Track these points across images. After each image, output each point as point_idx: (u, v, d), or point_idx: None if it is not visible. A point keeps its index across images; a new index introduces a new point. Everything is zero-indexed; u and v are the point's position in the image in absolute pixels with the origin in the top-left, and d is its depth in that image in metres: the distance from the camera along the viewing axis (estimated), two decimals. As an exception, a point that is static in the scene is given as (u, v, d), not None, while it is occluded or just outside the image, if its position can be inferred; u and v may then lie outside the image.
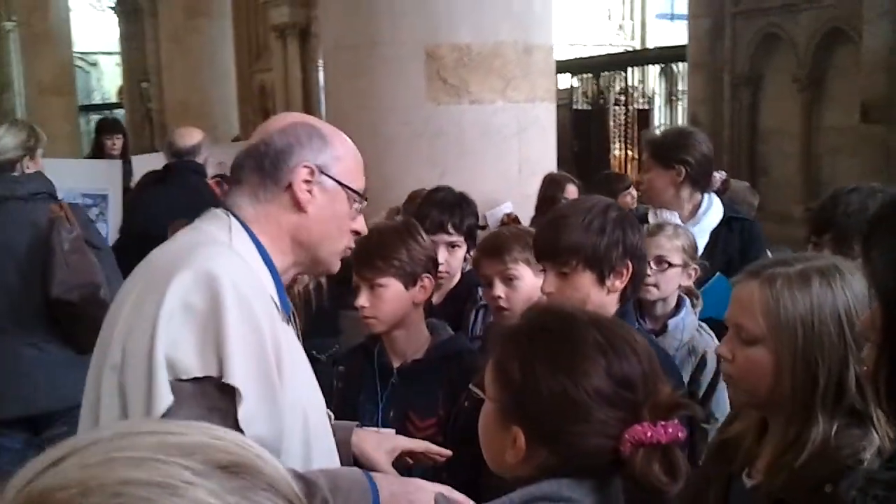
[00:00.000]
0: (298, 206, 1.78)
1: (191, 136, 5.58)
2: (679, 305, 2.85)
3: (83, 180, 6.19)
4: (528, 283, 2.65)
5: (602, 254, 2.15)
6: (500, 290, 2.67)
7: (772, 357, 1.69)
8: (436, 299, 3.17)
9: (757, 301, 1.70)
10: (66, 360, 3.46)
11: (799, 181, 11.24)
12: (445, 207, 3.40)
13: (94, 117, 25.17)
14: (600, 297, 2.18)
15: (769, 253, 3.42)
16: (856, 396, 1.64)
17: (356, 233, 1.91)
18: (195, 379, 1.53)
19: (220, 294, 1.55)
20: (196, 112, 11.36)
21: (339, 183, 1.81)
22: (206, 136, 5.73)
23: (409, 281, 2.50)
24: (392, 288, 2.48)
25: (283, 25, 17.76)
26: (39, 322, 3.52)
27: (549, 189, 4.76)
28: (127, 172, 6.65)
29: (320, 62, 17.67)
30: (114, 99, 28.11)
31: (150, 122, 19.92)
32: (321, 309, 4.08)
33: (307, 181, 1.78)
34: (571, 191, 4.75)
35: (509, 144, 4.71)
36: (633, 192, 6.55)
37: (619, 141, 14.64)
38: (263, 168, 1.79)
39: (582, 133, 14.05)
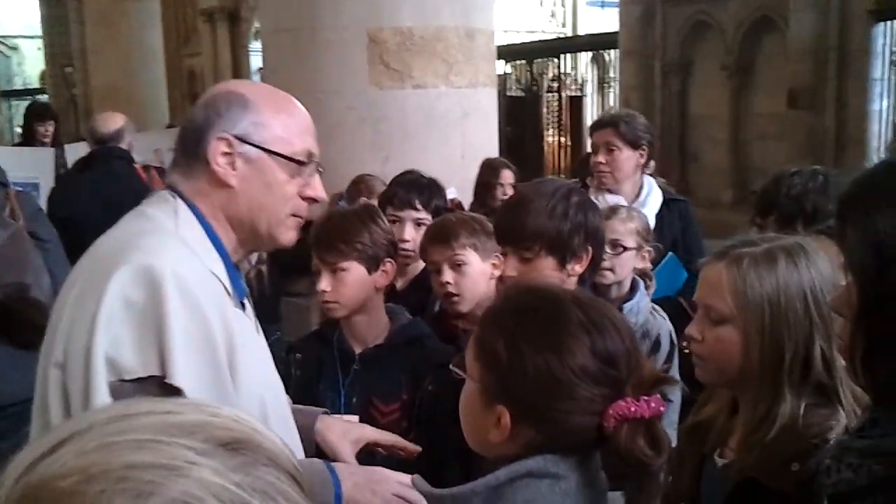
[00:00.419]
0: (221, 182, 1.68)
1: (113, 122, 5.43)
2: (633, 288, 2.88)
3: (13, 168, 6.00)
4: (476, 268, 2.65)
5: (565, 239, 2.16)
6: (448, 276, 2.66)
7: (740, 335, 1.73)
8: (400, 285, 3.16)
9: (725, 281, 1.74)
10: (6, 355, 3.35)
11: (728, 167, 11.46)
12: (413, 186, 3.36)
13: (16, 103, 24.39)
14: (560, 282, 2.19)
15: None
16: (821, 372, 1.69)
17: (311, 199, 1.76)
18: (138, 379, 1.48)
19: (161, 289, 1.50)
20: (125, 97, 11.13)
21: (264, 150, 1.68)
22: (129, 121, 5.58)
23: (372, 265, 2.48)
24: (354, 272, 2.47)
25: (211, 9, 17.42)
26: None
27: (485, 174, 4.77)
28: (59, 159, 6.48)
29: (251, 46, 17.48)
30: (36, 84, 27.25)
31: (75, 108, 19.39)
32: (262, 296, 4.04)
33: (225, 153, 1.67)
34: (506, 176, 4.75)
35: (453, 129, 4.72)
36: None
37: (553, 128, 14.78)
38: (187, 146, 1.71)
39: (515, 120, 14.11)
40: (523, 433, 1.33)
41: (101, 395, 1.45)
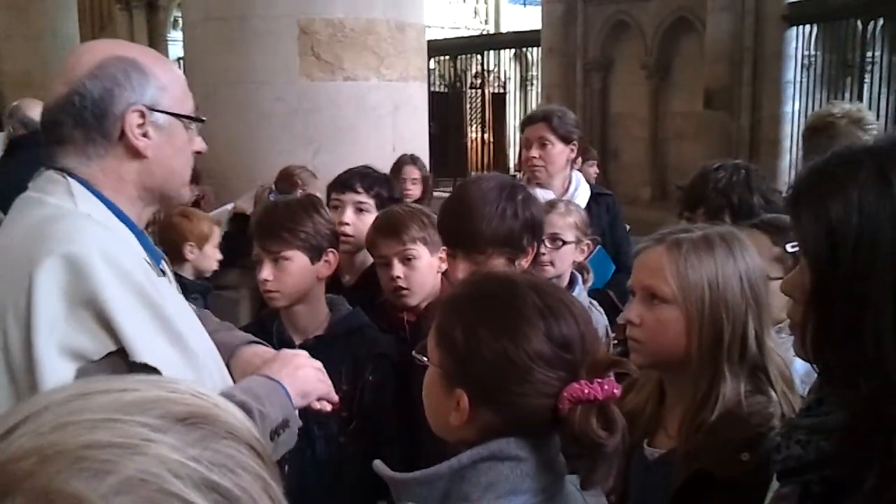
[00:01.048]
0: (137, 154, 1.64)
1: (38, 110, 5.31)
2: (572, 282, 2.91)
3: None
4: (425, 262, 2.65)
5: (517, 239, 2.19)
6: (398, 270, 2.64)
7: (682, 316, 1.77)
8: (347, 279, 3.13)
9: (665, 264, 1.79)
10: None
11: (646, 164, 11.72)
12: (356, 173, 3.34)
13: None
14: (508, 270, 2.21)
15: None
16: (756, 353, 1.77)
17: (198, 153, 1.78)
18: (108, 355, 1.47)
19: (92, 273, 1.47)
20: (39, 84, 10.74)
21: (173, 115, 1.67)
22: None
23: (315, 255, 2.47)
24: (297, 261, 2.46)
25: (128, -3, 17.08)
26: None
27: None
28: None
29: (169, 36, 17.14)
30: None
31: (-16, 94, 18.73)
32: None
33: (140, 125, 1.63)
34: (409, 171, 4.70)
35: (384, 122, 4.71)
36: (596, 165, 6.68)
37: (475, 124, 14.87)
38: (86, 122, 1.61)
39: (438, 115, 14.13)
40: (482, 416, 1.36)
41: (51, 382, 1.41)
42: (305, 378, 1.76)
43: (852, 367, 1.10)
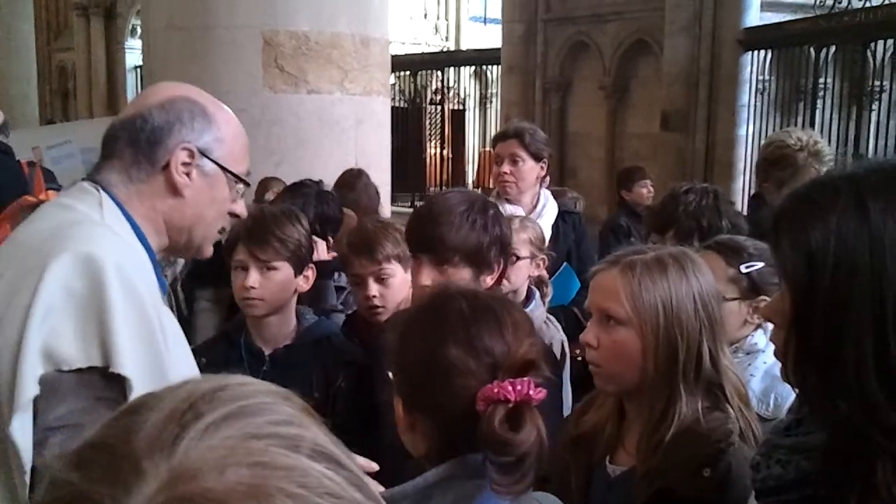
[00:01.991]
0: (174, 190, 1.70)
1: (-1, 117, 5.27)
2: (529, 297, 2.93)
3: None
4: (399, 279, 2.65)
5: (483, 252, 2.20)
6: (374, 289, 2.64)
7: (637, 337, 1.79)
8: None
9: (620, 286, 1.81)
10: None
11: (603, 183, 11.83)
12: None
13: None
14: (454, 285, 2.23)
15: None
16: (711, 371, 1.80)
17: (234, 215, 1.85)
18: (79, 370, 1.46)
19: (103, 278, 1.49)
20: (-6, 90, 10.63)
21: (221, 167, 1.73)
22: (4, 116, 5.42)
23: (299, 268, 2.48)
24: (284, 272, 2.46)
25: (85, 3, 16.86)
26: None
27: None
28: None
29: (127, 43, 16.97)
30: None
31: (-67, 99, 18.36)
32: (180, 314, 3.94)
33: (186, 164, 1.69)
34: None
35: (347, 136, 4.73)
36: (649, 185, 6.67)
37: (435, 140, 14.91)
38: (139, 145, 1.68)
39: (398, 130, 14.06)
40: (419, 423, 1.39)
41: (29, 385, 1.42)
42: None
43: (832, 389, 1.13)
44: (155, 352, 1.55)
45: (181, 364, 1.64)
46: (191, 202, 1.71)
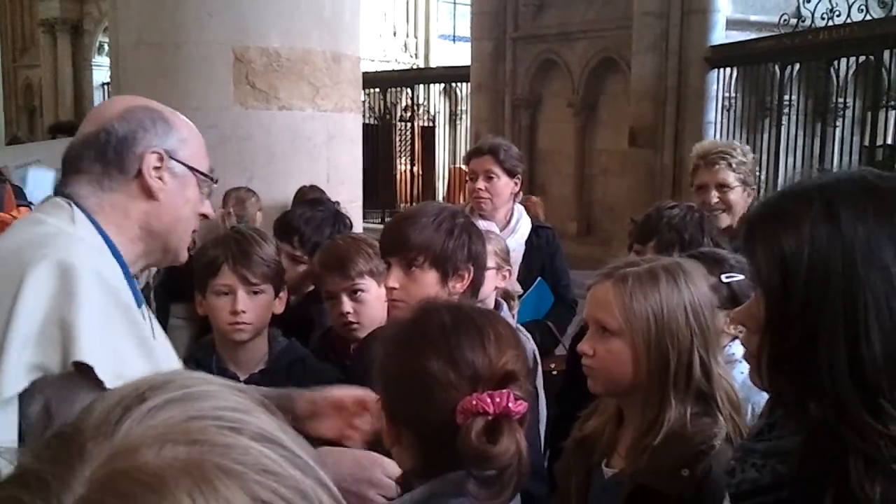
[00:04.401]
0: (149, 194, 1.73)
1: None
2: (497, 309, 2.94)
3: None
4: (374, 294, 2.63)
5: (448, 254, 2.20)
6: (348, 306, 2.63)
7: (629, 347, 1.85)
8: None
9: (612, 298, 1.87)
10: None
11: (573, 199, 11.91)
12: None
13: None
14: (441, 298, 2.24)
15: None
16: (701, 379, 1.84)
17: (203, 216, 1.87)
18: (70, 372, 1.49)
19: (79, 281, 1.52)
20: (-42, 106, 10.50)
21: (189, 167, 1.77)
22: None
23: (278, 290, 2.46)
24: (267, 294, 2.44)
25: (52, 20, 16.77)
26: None
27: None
28: None
29: (94, 60, 16.86)
30: None
31: None
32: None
33: (157, 167, 1.72)
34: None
35: (319, 152, 4.71)
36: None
37: (405, 156, 14.94)
38: (107, 156, 1.72)
39: (368, 147, 14.02)
40: (403, 436, 1.39)
41: (8, 386, 1.46)
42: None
43: (805, 391, 1.15)
44: (147, 351, 1.60)
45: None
46: (166, 205, 1.75)
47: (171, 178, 1.75)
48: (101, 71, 16.20)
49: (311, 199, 4.02)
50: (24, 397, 1.50)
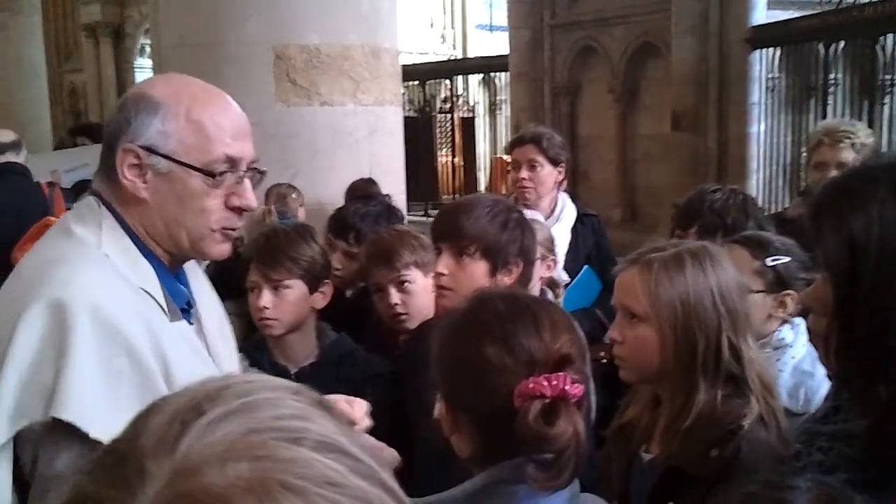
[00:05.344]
0: (134, 196, 1.57)
1: (8, 135, 5.31)
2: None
3: None
4: (421, 285, 2.66)
5: (500, 247, 2.22)
6: (395, 297, 2.66)
7: (656, 333, 1.85)
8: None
9: (638, 284, 1.88)
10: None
11: (616, 185, 11.82)
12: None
13: None
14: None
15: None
16: (731, 361, 1.83)
17: (238, 209, 1.62)
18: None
19: (71, 324, 1.42)
20: (5, 113, 10.71)
21: (173, 161, 1.55)
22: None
23: (313, 285, 2.48)
24: (297, 290, 2.46)
25: (94, 24, 17.02)
26: None
27: None
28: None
29: (136, 63, 17.09)
30: None
31: (-54, 124, 18.56)
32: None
33: (134, 165, 1.55)
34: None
35: (360, 146, 4.74)
36: None
37: (445, 148, 14.92)
38: (105, 155, 1.59)
39: (409, 139, 14.01)
40: (461, 423, 1.40)
41: None
42: None
43: (874, 375, 1.13)
44: (140, 387, 1.46)
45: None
46: (155, 206, 1.58)
47: (155, 175, 1.56)
48: (143, 73, 16.42)
49: (363, 194, 4.04)
50: (19, 443, 1.43)
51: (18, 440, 1.42)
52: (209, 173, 1.56)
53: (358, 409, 1.81)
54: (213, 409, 0.59)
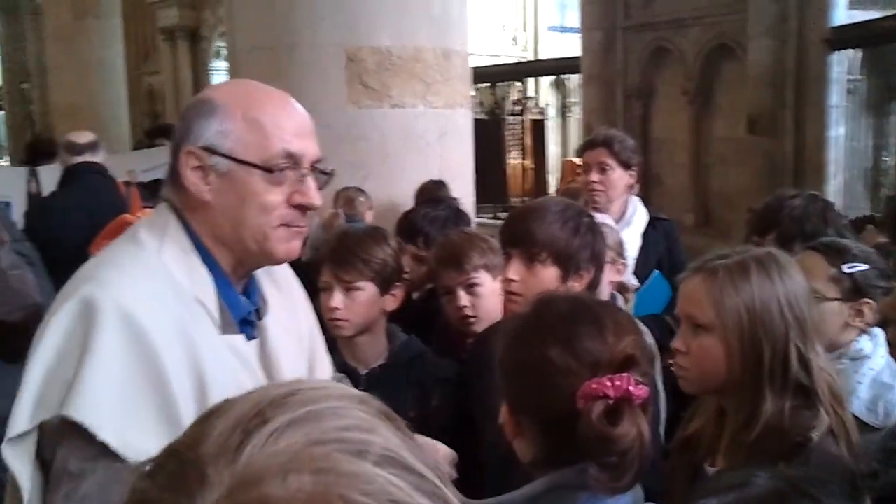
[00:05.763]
0: (199, 200, 1.57)
1: (87, 138, 5.44)
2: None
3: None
4: (489, 288, 2.66)
5: (572, 253, 2.19)
6: (465, 300, 2.67)
7: (721, 343, 1.80)
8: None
9: (703, 293, 1.82)
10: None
11: (689, 189, 11.64)
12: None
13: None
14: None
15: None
16: (799, 370, 1.78)
17: (301, 207, 1.58)
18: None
19: (97, 322, 1.42)
20: (85, 114, 11.01)
21: (232, 159, 1.54)
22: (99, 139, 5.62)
23: (384, 287, 2.49)
24: (368, 292, 2.47)
25: (171, 27, 17.43)
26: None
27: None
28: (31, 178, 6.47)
29: (212, 65, 17.43)
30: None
31: (32, 125, 19.19)
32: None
33: (197, 167, 1.55)
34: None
35: (431, 149, 4.75)
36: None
37: (516, 150, 14.91)
38: (171, 160, 1.61)
39: (479, 142, 14.00)
40: (524, 426, 1.39)
41: (18, 424, 1.42)
42: None
43: None
44: (159, 398, 1.45)
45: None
46: (220, 208, 1.57)
47: (218, 176, 1.56)
48: (219, 75, 16.74)
49: (432, 197, 4.05)
50: (44, 434, 1.44)
51: (43, 430, 1.44)
52: (268, 169, 1.54)
53: (443, 456, 1.80)
54: (278, 417, 0.59)
